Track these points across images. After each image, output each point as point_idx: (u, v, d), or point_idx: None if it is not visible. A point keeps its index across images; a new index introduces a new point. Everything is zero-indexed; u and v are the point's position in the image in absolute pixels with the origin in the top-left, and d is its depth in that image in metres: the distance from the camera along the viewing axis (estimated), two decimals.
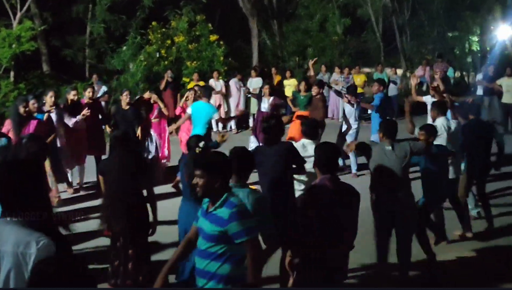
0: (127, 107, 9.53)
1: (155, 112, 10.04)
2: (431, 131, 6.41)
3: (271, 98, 10.83)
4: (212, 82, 15.45)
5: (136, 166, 5.44)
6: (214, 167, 3.64)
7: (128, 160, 5.43)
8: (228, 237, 3.54)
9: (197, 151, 5.36)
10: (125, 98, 9.57)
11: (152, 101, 10.02)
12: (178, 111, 10.74)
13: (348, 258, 4.54)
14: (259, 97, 11.16)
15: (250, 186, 4.52)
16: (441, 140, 6.96)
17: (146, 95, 10.23)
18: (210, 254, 3.60)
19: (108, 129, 9.93)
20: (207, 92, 9.77)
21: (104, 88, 12.94)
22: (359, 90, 15.85)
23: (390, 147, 5.69)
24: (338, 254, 4.32)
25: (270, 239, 4.41)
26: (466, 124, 7.87)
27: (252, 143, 10.76)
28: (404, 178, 5.72)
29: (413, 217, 5.78)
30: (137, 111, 9.63)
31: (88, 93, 9.90)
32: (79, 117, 9.00)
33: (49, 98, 9.12)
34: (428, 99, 9.57)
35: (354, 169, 10.64)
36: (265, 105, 10.88)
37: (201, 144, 5.37)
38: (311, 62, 11.70)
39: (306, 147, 6.10)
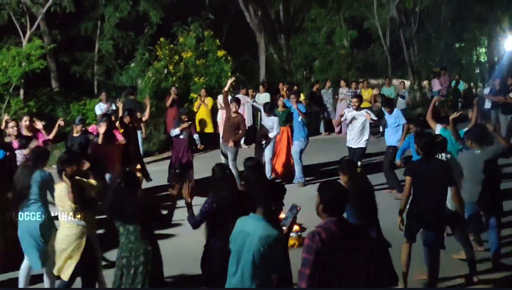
0: (77, 134, 9.05)
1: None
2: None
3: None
4: (220, 98, 15.49)
5: None
6: None
7: None
8: None
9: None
10: (78, 128, 9.03)
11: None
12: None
13: None
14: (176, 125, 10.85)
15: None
16: None
17: None
18: None
19: None
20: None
21: (113, 107, 12.99)
22: (367, 104, 15.82)
23: (479, 151, 6.96)
24: None
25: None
26: None
27: None
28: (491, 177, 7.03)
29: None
30: (87, 139, 9.12)
31: (24, 122, 8.30)
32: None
33: (23, 123, 8.27)
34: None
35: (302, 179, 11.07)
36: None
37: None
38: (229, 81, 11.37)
39: None
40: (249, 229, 4.23)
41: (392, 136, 10.45)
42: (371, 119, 10.52)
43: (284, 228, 4.45)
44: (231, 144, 10.49)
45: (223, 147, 10.86)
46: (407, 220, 6.34)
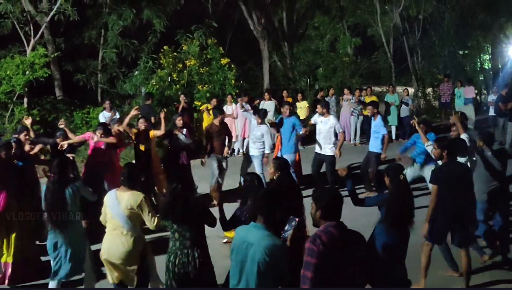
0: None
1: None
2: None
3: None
4: (225, 108, 15.45)
5: None
6: None
7: None
8: None
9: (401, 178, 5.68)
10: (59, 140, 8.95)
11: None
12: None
13: None
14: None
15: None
16: None
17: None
18: None
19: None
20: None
21: (117, 116, 12.95)
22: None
23: (490, 153, 7.33)
24: None
25: None
26: None
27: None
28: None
29: None
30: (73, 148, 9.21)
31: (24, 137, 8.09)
32: None
33: (23, 137, 7.95)
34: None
35: None
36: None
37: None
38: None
39: None
40: (252, 239, 4.18)
41: (374, 142, 10.44)
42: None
43: (287, 241, 4.40)
44: (225, 153, 10.71)
45: (219, 158, 10.56)
46: (434, 225, 6.43)
